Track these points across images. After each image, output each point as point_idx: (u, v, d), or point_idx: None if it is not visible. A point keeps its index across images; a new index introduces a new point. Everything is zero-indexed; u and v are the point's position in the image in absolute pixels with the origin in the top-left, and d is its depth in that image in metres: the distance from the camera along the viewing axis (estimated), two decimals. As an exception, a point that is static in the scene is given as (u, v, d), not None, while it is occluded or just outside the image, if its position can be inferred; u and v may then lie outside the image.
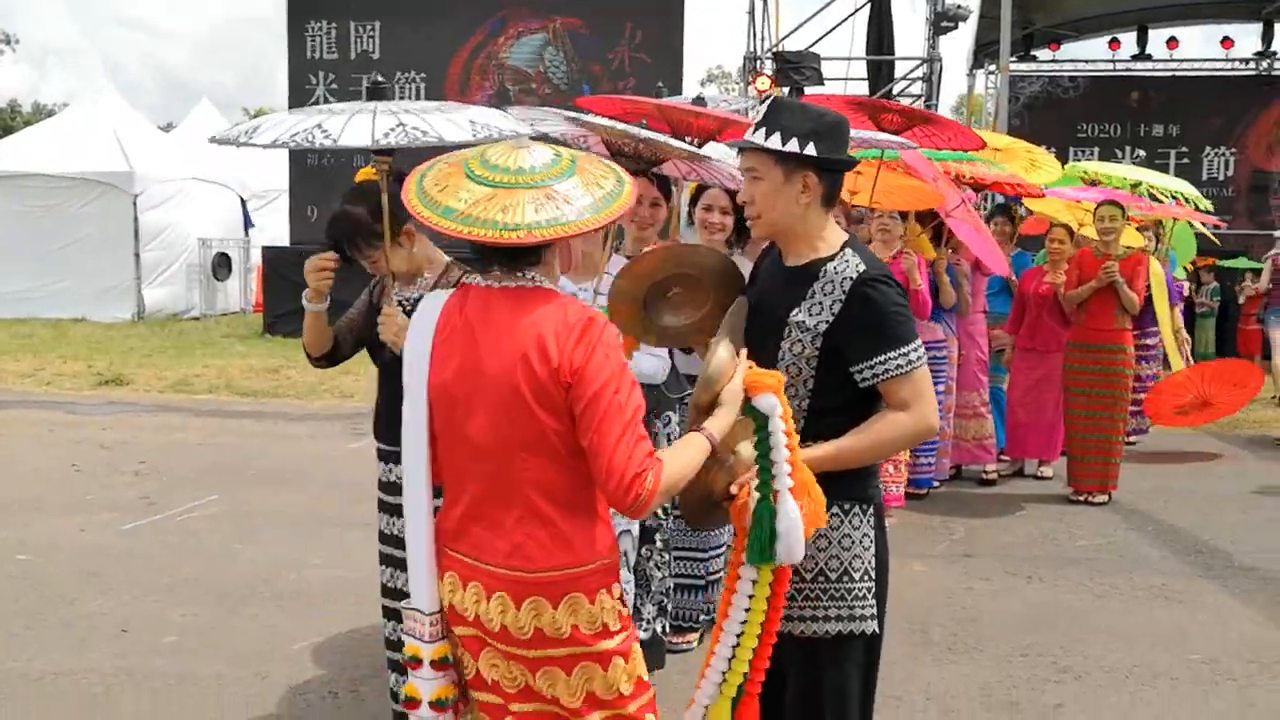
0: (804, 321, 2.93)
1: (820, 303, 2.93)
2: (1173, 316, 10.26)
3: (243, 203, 22.14)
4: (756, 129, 2.94)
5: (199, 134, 24.54)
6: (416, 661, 2.73)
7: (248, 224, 22.04)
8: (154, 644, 5.31)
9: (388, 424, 3.95)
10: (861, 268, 2.92)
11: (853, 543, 2.98)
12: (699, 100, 4.83)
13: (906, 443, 3.13)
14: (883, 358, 2.88)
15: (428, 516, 2.73)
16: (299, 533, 7.14)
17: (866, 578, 3.00)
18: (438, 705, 2.74)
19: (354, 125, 3.28)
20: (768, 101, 3.00)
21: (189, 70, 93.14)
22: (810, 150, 2.90)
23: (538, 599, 2.61)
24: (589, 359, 2.55)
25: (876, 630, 3.03)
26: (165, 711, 4.63)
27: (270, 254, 18.30)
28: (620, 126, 3.84)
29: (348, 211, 3.76)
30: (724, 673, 2.85)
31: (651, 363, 4.44)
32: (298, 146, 3.28)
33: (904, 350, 2.89)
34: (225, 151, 21.58)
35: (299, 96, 17.22)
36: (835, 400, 2.96)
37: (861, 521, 3.00)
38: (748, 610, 2.82)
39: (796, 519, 2.69)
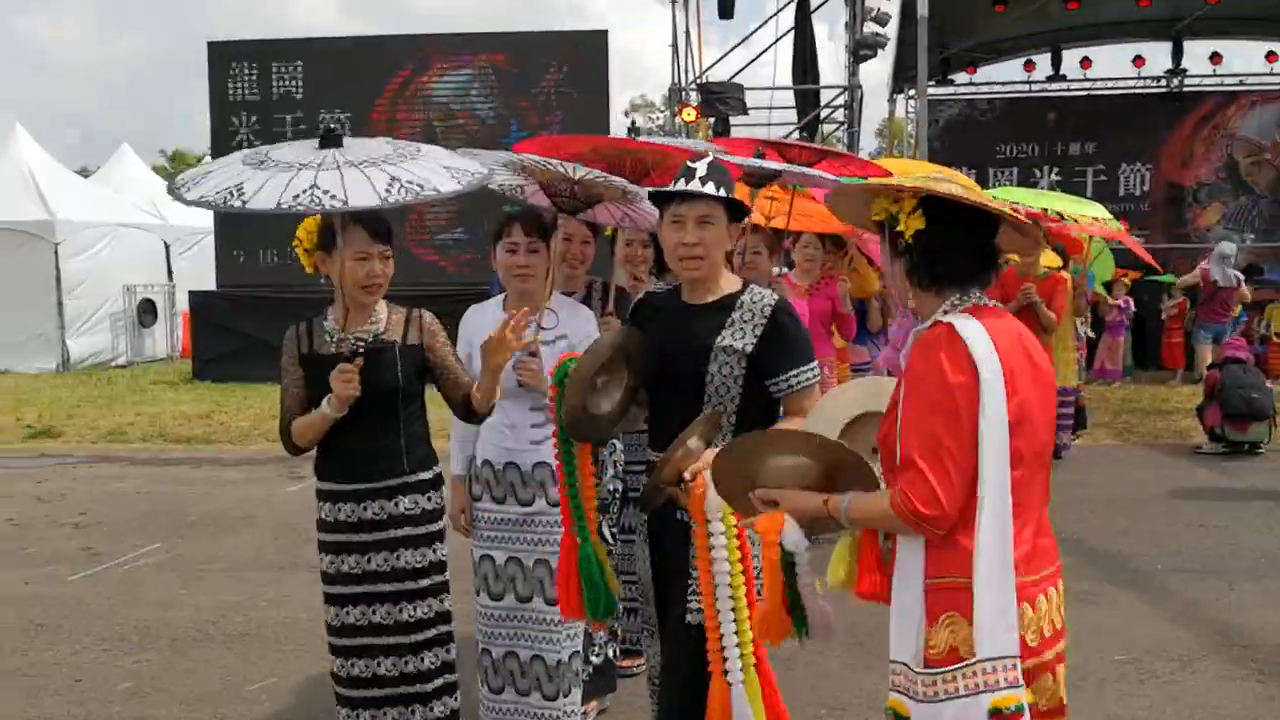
0: (731, 345, 3.40)
1: (743, 329, 3.43)
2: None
3: (166, 247, 21.91)
4: (706, 182, 3.37)
5: (120, 179, 24.19)
6: (1021, 711, 2.52)
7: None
8: (110, 691, 5.36)
9: (336, 463, 3.91)
10: (775, 299, 3.49)
11: None
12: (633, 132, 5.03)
13: None
14: (797, 371, 3.45)
15: (1012, 552, 2.58)
16: (244, 576, 7.17)
17: None
18: None
19: (354, 186, 3.33)
20: (707, 161, 3.42)
21: (101, 113, 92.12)
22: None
23: None
24: None
25: None
26: (124, 758, 4.69)
27: (196, 299, 18.11)
28: (557, 165, 3.97)
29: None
30: (739, 648, 3.14)
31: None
32: (306, 211, 3.32)
33: (811, 366, 3.49)
34: (147, 196, 21.56)
35: (222, 139, 17.01)
36: (754, 412, 3.45)
37: None
38: (730, 584, 3.13)
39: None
